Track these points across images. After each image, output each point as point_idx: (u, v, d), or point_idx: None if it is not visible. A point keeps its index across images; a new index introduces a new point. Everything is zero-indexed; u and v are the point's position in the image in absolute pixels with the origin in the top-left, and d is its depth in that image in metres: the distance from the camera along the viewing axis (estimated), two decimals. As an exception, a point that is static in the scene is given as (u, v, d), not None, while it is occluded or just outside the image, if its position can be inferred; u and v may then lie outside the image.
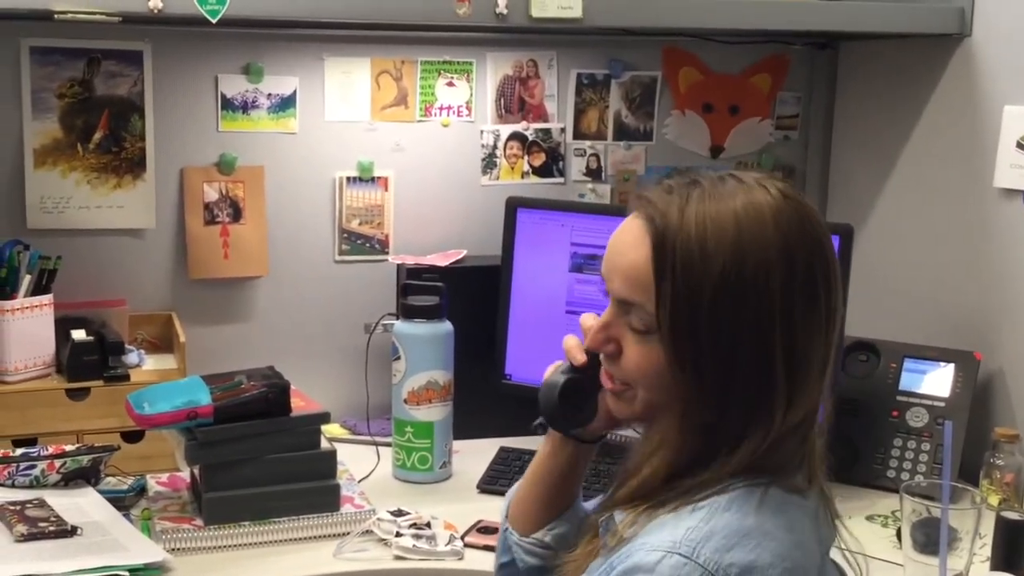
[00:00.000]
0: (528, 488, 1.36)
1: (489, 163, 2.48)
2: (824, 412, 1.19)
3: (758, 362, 1.06)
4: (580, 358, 1.25)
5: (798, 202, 1.11)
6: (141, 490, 1.90)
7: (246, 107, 2.31)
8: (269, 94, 2.32)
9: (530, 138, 2.50)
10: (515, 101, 2.48)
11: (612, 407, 1.21)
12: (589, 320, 1.20)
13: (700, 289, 1.05)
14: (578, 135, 2.53)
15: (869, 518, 1.96)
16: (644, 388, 1.13)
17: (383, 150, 2.41)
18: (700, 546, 1.03)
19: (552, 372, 1.28)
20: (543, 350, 2.15)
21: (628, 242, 1.12)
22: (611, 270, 1.14)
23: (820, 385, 1.12)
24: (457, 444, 2.13)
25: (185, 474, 1.92)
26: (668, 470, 1.11)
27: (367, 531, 1.80)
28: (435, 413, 2.06)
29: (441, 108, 2.43)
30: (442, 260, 2.32)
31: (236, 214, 2.33)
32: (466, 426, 2.17)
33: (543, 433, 1.34)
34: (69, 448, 1.91)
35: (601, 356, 1.19)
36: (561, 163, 2.53)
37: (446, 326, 2.07)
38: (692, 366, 1.07)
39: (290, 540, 1.79)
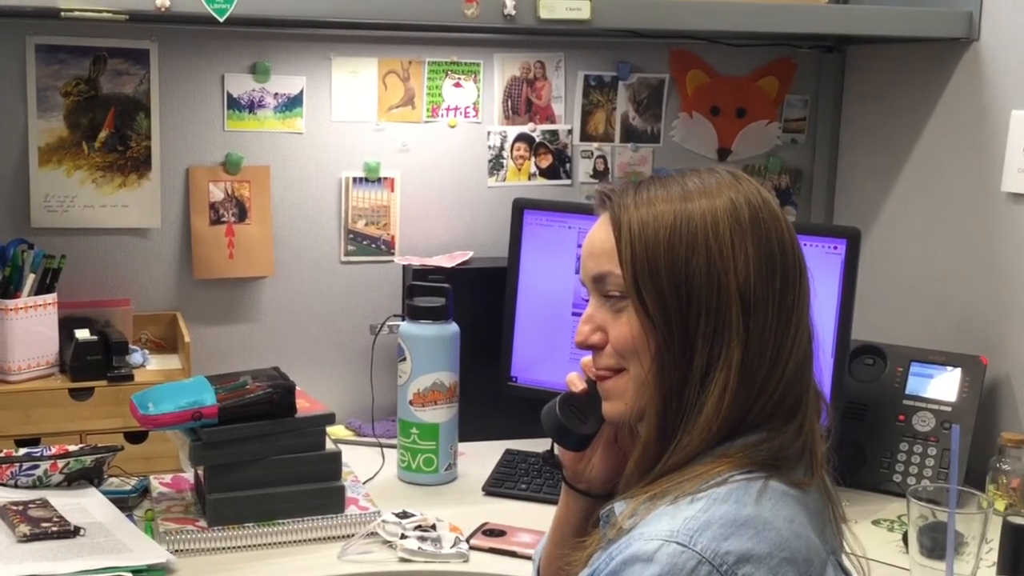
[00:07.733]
0: (553, 548, 1.39)
1: (496, 164, 2.47)
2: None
3: (714, 299, 1.12)
4: (580, 386, 1.31)
5: (735, 172, 1.21)
6: (144, 491, 1.90)
7: (252, 107, 2.31)
8: (276, 94, 2.31)
9: (537, 139, 2.49)
10: (522, 102, 2.47)
11: (610, 410, 1.22)
12: (588, 360, 1.26)
13: (656, 239, 1.14)
14: (585, 137, 2.53)
15: (876, 522, 1.95)
16: (632, 363, 1.17)
17: (390, 151, 2.40)
18: (698, 535, 1.04)
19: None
20: (549, 352, 2.16)
21: (594, 231, 1.22)
22: (584, 262, 1.22)
23: (785, 334, 1.15)
24: (462, 446, 2.13)
25: (189, 475, 1.92)
26: (658, 420, 1.15)
27: (372, 533, 1.79)
28: (441, 415, 2.05)
29: (448, 109, 2.42)
30: (448, 261, 2.32)
31: (242, 214, 2.32)
32: (471, 428, 2.17)
33: (552, 461, 1.41)
34: (72, 448, 1.91)
35: (592, 356, 1.22)
36: (568, 165, 2.52)
37: (452, 327, 2.07)
38: (657, 310, 1.13)
39: (294, 542, 1.78)
